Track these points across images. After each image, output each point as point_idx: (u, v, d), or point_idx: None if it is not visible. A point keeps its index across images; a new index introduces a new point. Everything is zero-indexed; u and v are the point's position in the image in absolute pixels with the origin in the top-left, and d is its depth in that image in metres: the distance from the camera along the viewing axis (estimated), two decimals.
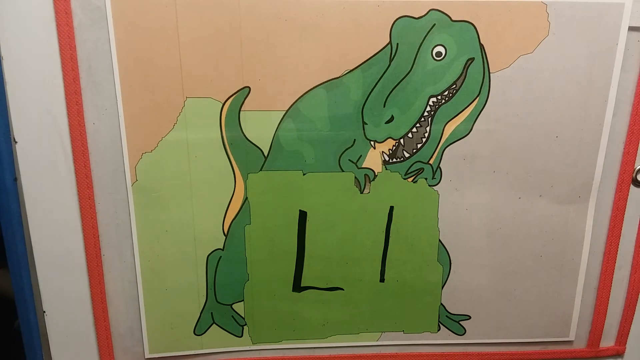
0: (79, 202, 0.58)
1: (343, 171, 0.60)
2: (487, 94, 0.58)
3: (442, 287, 0.66)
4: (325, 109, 0.57)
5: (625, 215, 0.64)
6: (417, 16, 0.55)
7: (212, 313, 0.65)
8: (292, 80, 0.56)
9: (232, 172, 0.59)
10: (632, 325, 0.69)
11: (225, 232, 0.61)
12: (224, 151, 0.58)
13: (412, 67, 0.56)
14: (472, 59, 0.56)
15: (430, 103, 0.58)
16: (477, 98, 0.58)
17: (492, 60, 0.56)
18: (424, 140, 0.59)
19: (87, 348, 0.64)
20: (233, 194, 0.60)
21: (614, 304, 0.68)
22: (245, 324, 0.66)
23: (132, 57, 0.54)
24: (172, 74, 0.55)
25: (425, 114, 0.58)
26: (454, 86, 0.57)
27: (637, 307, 0.68)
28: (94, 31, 0.53)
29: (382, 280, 0.65)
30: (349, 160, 0.59)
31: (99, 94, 0.55)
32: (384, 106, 0.58)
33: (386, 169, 0.60)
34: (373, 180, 0.60)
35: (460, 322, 0.68)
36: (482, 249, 0.64)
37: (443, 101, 0.58)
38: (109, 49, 0.53)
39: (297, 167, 0.59)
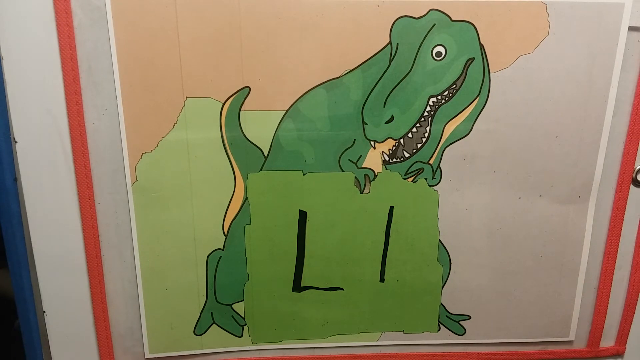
0: (79, 202, 0.58)
1: (343, 171, 0.60)
2: (487, 94, 0.58)
3: (442, 287, 0.66)
4: (325, 109, 0.57)
5: (625, 215, 0.64)
6: (417, 16, 0.55)
7: (212, 313, 0.65)
8: (292, 80, 0.56)
9: (232, 172, 0.59)
10: (632, 325, 0.69)
11: (225, 232, 0.62)
12: (224, 151, 0.58)
13: (412, 67, 0.56)
14: (472, 59, 0.56)
15: (430, 103, 0.58)
16: (477, 98, 0.58)
17: (492, 60, 0.56)
18: (424, 140, 0.59)
19: (87, 348, 0.64)
20: (233, 194, 0.60)
21: (614, 304, 0.68)
22: (245, 324, 0.66)
23: (132, 57, 0.54)
24: (172, 74, 0.55)
25: (425, 114, 0.58)
26: (454, 86, 0.57)
27: (637, 307, 0.68)
28: (94, 31, 0.53)
29: (382, 280, 0.65)
30: (349, 160, 0.59)
31: (99, 94, 0.55)
32: (384, 106, 0.58)
33: (386, 169, 0.60)
34: (373, 180, 0.60)
35: (460, 322, 0.68)
36: (482, 249, 0.64)
37: (443, 101, 0.58)
38: (109, 49, 0.53)
39: (297, 167, 0.59)
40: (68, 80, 0.54)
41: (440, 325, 0.68)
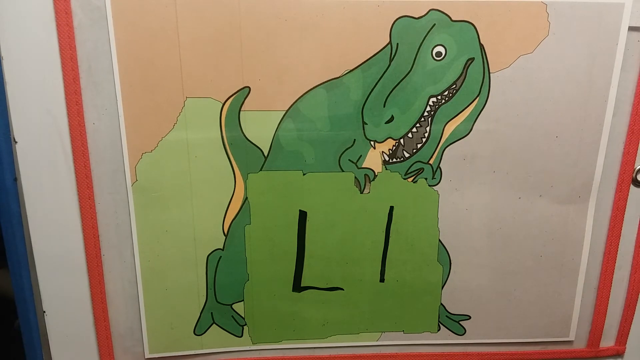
0: (79, 202, 0.58)
1: (343, 171, 0.60)
2: (487, 94, 0.58)
3: (442, 287, 0.66)
4: (325, 109, 0.57)
5: (625, 215, 0.64)
6: (417, 16, 0.55)
7: (212, 313, 0.65)
8: (292, 80, 0.56)
9: (232, 172, 0.59)
10: (632, 325, 0.69)
11: (225, 232, 0.61)
12: (224, 151, 0.58)
13: (412, 67, 0.56)
14: (472, 59, 0.56)
15: (430, 103, 0.58)
16: (477, 98, 0.58)
17: (492, 60, 0.56)
18: (424, 140, 0.59)
19: (87, 348, 0.64)
20: (233, 194, 0.60)
21: (614, 304, 0.68)
22: (245, 324, 0.66)
23: (132, 57, 0.54)
24: (172, 74, 0.55)
25: (425, 114, 0.58)
26: (454, 86, 0.57)
27: (637, 307, 0.68)
28: (94, 31, 0.53)
29: (382, 280, 0.65)
30: (349, 160, 0.59)
31: (99, 94, 0.55)
32: (384, 106, 0.58)
33: (386, 169, 0.60)
34: (373, 180, 0.60)
35: (460, 322, 0.68)
36: (482, 249, 0.64)
37: (443, 101, 0.58)
38: (109, 49, 0.53)
39: (297, 167, 0.59)
40: (68, 80, 0.54)
41: (440, 325, 0.68)
